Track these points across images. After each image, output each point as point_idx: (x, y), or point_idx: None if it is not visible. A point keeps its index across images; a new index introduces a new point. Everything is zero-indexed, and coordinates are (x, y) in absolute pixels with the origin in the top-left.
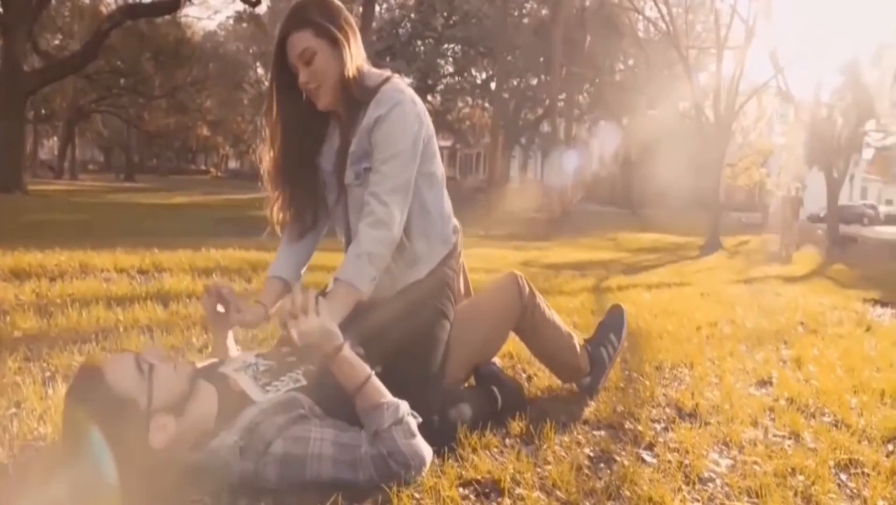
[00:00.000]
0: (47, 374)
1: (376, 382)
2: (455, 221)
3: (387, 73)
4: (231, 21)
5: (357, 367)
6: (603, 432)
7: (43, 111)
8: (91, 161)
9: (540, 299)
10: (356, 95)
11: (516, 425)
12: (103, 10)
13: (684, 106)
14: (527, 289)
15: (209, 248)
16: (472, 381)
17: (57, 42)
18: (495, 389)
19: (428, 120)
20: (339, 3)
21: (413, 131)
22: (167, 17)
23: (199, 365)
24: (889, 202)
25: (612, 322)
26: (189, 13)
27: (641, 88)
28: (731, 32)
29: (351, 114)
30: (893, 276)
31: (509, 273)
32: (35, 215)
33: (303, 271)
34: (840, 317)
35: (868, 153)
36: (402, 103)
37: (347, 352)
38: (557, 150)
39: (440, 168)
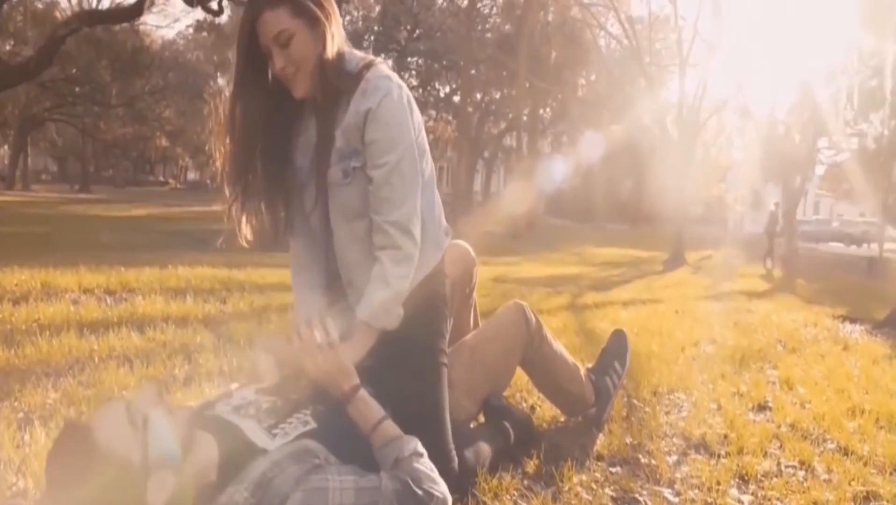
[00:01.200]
0: (20, 414)
1: (391, 424)
2: (445, 223)
3: (368, 56)
4: (191, 30)
5: (373, 406)
6: (619, 469)
7: None
8: (44, 171)
9: (546, 330)
10: (336, 82)
11: (532, 464)
12: (58, 15)
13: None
14: (533, 319)
15: (177, 266)
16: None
17: (9, 48)
18: (507, 425)
19: (416, 106)
20: None
21: (408, 123)
22: (125, 24)
23: (194, 406)
24: (840, 217)
25: (616, 349)
26: (147, 21)
27: (604, 103)
28: (692, 50)
29: (330, 102)
30: (852, 290)
31: (514, 303)
32: None
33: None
34: (815, 334)
35: (820, 169)
36: (391, 92)
37: (363, 392)
38: (521, 164)
39: (430, 165)
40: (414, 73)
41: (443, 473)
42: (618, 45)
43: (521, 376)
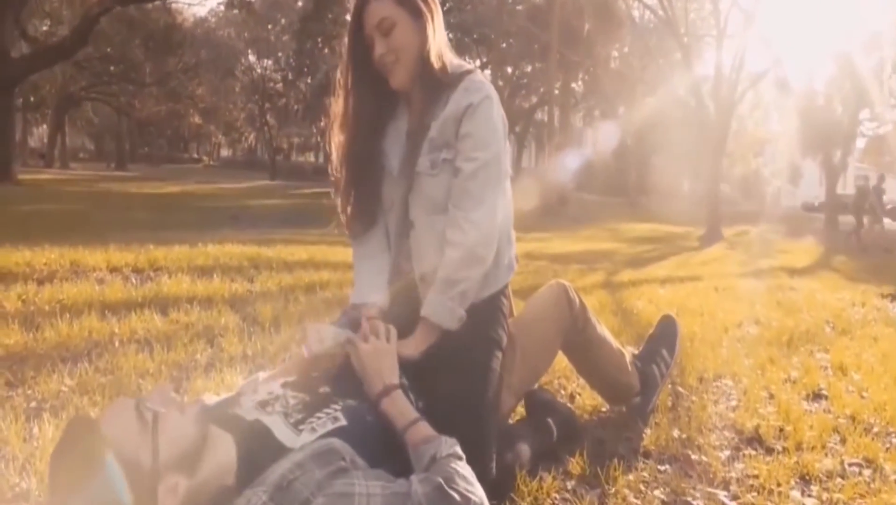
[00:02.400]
0: (32, 404)
1: (424, 424)
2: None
3: (467, 65)
4: (222, 7)
5: (408, 407)
6: (668, 467)
7: (32, 99)
8: (81, 149)
9: (590, 312)
10: (437, 76)
11: (576, 464)
12: None
13: (682, 94)
14: (577, 301)
15: (206, 244)
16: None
17: (45, 28)
18: (549, 421)
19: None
20: None
21: (501, 129)
22: (157, 2)
23: (211, 401)
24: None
25: (664, 335)
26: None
27: (637, 76)
28: (729, 20)
29: (429, 93)
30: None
31: (556, 283)
32: (26, 206)
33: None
34: (864, 315)
35: (861, 142)
36: (491, 98)
37: (401, 393)
38: (552, 138)
39: (509, 188)
40: None
41: (480, 475)
42: (652, 15)
43: (559, 360)
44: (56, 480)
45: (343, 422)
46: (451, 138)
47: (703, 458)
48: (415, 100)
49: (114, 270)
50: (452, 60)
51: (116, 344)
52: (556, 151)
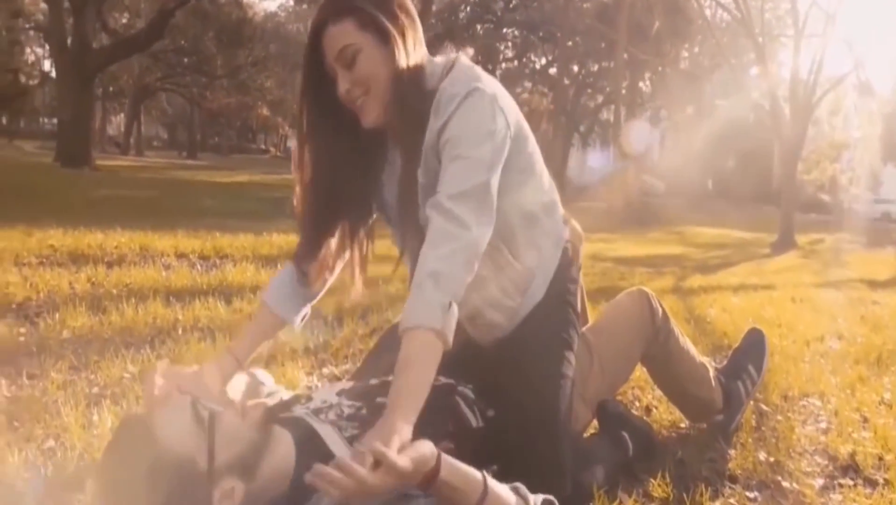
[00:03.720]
0: (94, 389)
1: (494, 487)
2: (562, 211)
3: (451, 58)
4: (292, 2)
5: (466, 478)
6: (758, 495)
7: (111, 88)
8: (155, 138)
9: (673, 322)
10: (415, 104)
11: (657, 487)
12: None
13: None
14: (660, 310)
15: (272, 233)
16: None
17: (124, 21)
18: (625, 435)
19: (509, 103)
20: None
21: (487, 127)
22: None
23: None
24: None
25: (751, 350)
26: None
27: (708, 77)
28: (808, 19)
29: (410, 130)
30: None
31: (638, 290)
32: (102, 191)
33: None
34: None
35: None
36: (480, 89)
37: (447, 469)
38: (618, 138)
39: (534, 156)
40: (510, 44)
41: (554, 492)
42: (725, 14)
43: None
44: (105, 482)
45: None
46: (439, 168)
47: (795, 485)
48: (396, 137)
49: (181, 255)
50: (434, 71)
51: (180, 331)
52: (621, 152)
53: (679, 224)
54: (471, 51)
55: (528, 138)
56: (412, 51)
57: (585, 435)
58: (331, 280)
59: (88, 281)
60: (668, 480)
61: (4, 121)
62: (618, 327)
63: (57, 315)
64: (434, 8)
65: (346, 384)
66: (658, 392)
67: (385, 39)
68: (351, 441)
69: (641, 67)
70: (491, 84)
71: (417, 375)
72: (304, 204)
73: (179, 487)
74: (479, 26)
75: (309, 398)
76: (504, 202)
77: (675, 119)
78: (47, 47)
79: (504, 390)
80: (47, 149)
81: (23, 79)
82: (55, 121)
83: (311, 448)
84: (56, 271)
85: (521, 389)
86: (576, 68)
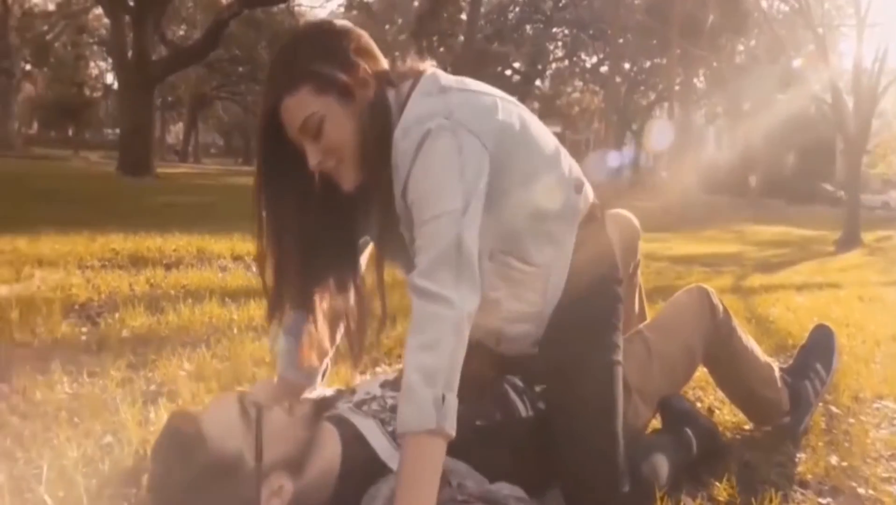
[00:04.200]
0: (152, 387)
1: None
2: (578, 178)
3: (405, 86)
4: (342, 9)
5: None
6: (831, 501)
7: (169, 98)
8: (212, 145)
9: (735, 321)
10: (383, 164)
11: (723, 490)
12: (223, 0)
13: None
14: (720, 307)
15: None
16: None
17: (181, 32)
18: (689, 433)
19: (482, 111)
20: (341, 25)
21: (450, 171)
22: (282, 6)
23: (315, 399)
24: None
25: (818, 347)
26: (302, 2)
27: (765, 71)
28: (871, 8)
29: (384, 192)
30: None
31: (697, 287)
32: (162, 197)
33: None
34: None
35: None
36: (424, 142)
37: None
38: (673, 136)
39: (533, 148)
40: (560, 43)
41: (609, 490)
42: (782, 5)
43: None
44: (153, 478)
45: None
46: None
47: (872, 492)
48: (380, 187)
49: (237, 258)
50: (397, 100)
51: (235, 330)
52: (676, 150)
53: (736, 222)
54: (428, 63)
55: (520, 137)
56: (378, 100)
57: (647, 434)
58: (338, 333)
59: (147, 282)
60: (733, 483)
61: (71, 132)
62: (676, 324)
63: (117, 315)
64: (483, 9)
65: (390, 375)
66: (721, 393)
67: (347, 97)
68: (393, 435)
69: (695, 63)
70: (451, 102)
71: (421, 487)
72: (284, 277)
73: (227, 484)
74: (528, 27)
75: (353, 392)
76: (503, 213)
77: (730, 115)
78: (110, 61)
79: (551, 380)
80: (111, 158)
81: (87, 92)
82: (118, 131)
83: (356, 446)
84: (117, 273)
85: (569, 379)
86: (627, 66)
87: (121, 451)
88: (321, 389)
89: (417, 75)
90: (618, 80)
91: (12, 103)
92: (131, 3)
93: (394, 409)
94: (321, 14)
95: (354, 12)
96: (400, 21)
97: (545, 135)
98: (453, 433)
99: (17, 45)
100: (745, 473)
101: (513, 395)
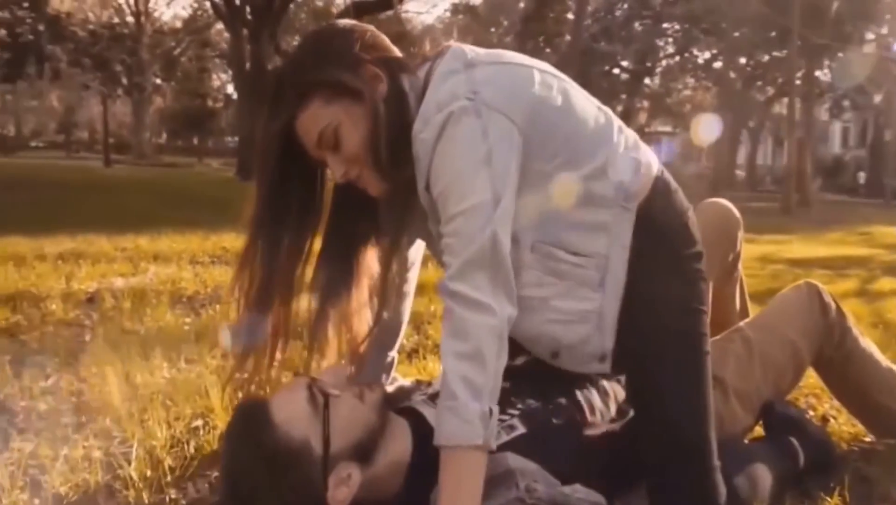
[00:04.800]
0: (244, 375)
1: None
2: (635, 153)
3: (422, 72)
4: (448, 14)
5: None
6: None
7: None
8: None
9: (851, 321)
10: (404, 163)
11: None
12: (334, 10)
13: None
14: (832, 305)
15: None
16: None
17: (295, 43)
18: (794, 442)
19: (509, 87)
20: (342, 25)
21: (475, 156)
22: (389, 12)
23: (390, 389)
24: None
25: None
26: (409, 8)
27: None
28: None
29: (401, 188)
30: None
31: (806, 283)
32: None
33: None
34: None
35: None
36: (445, 129)
37: None
38: (792, 133)
39: (573, 119)
40: (670, 39)
41: (701, 500)
42: None
43: (807, 376)
44: (224, 463)
45: (521, 430)
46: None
47: None
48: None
49: None
50: (413, 90)
51: None
52: (797, 147)
53: (864, 224)
54: (455, 43)
55: (562, 112)
56: (392, 93)
57: (746, 441)
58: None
59: None
60: (847, 498)
61: (196, 141)
62: (782, 322)
63: (218, 307)
64: (590, 8)
65: None
66: (835, 403)
67: (359, 99)
68: None
69: (819, 54)
70: (476, 78)
71: (464, 503)
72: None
73: (293, 471)
74: (636, 23)
75: (429, 383)
76: (544, 198)
77: (858, 109)
78: (230, 72)
79: (630, 376)
80: (231, 165)
81: (210, 102)
82: (237, 139)
83: (427, 439)
84: (224, 269)
85: (648, 371)
86: (743, 60)
87: (206, 434)
88: (400, 380)
89: (439, 54)
90: (732, 75)
91: (144, 115)
92: (249, 17)
93: None
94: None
95: (461, 16)
96: (505, 23)
97: (593, 108)
98: (495, 447)
99: (148, 61)
100: (861, 489)
101: (595, 394)
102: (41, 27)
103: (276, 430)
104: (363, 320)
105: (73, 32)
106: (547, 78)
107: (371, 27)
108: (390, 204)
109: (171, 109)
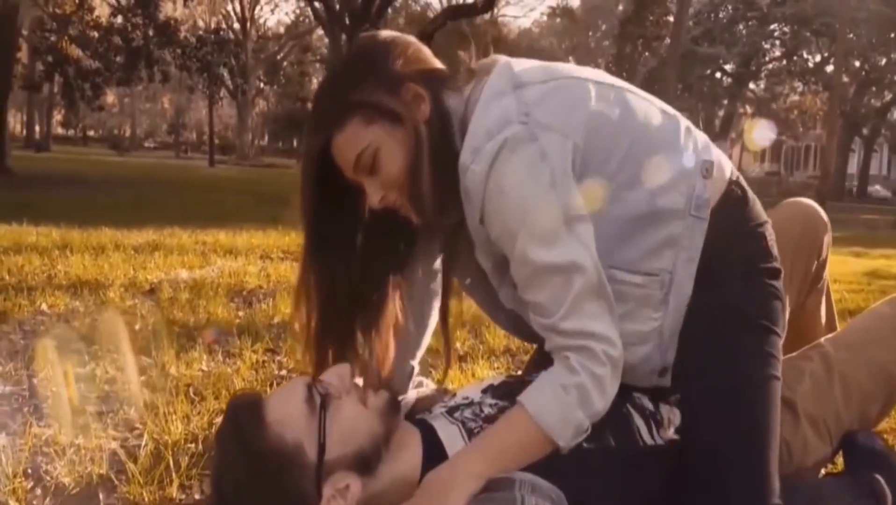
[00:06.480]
0: (282, 372)
1: None
2: (706, 159)
3: (468, 92)
4: (545, 17)
5: None
6: None
7: None
8: None
9: None
10: (451, 174)
11: None
12: (430, 14)
13: None
14: None
15: None
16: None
17: None
18: (881, 480)
19: (566, 99)
20: (383, 39)
21: (540, 184)
22: (486, 17)
23: (410, 397)
24: None
25: None
26: (506, 13)
27: None
28: None
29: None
30: None
31: None
32: None
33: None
34: None
35: None
36: (497, 161)
37: None
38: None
39: (648, 133)
40: (777, 41)
41: None
42: None
43: None
44: (213, 459)
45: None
46: (498, 250)
47: None
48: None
49: None
50: (457, 110)
51: None
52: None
53: None
54: (502, 58)
55: (621, 124)
56: (435, 115)
57: (821, 476)
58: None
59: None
60: None
61: (296, 143)
62: (870, 339)
63: (271, 301)
64: (692, 10)
65: (496, 380)
66: None
67: (398, 122)
68: None
69: None
70: (527, 98)
71: (495, 454)
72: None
73: (281, 475)
74: (741, 25)
75: (453, 394)
76: (604, 218)
77: None
78: None
79: (684, 403)
80: None
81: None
82: None
83: (436, 457)
84: (291, 265)
85: (702, 395)
86: (857, 63)
87: None
88: (426, 386)
89: (486, 71)
90: (845, 79)
91: (247, 118)
92: (347, 22)
93: (488, 418)
94: (525, 24)
95: (557, 19)
96: (604, 27)
97: (657, 116)
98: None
99: (252, 65)
100: None
101: (637, 418)
102: (151, 32)
103: (267, 429)
104: (389, 345)
105: (182, 38)
106: (603, 90)
107: (414, 39)
108: (435, 237)
109: (273, 112)
